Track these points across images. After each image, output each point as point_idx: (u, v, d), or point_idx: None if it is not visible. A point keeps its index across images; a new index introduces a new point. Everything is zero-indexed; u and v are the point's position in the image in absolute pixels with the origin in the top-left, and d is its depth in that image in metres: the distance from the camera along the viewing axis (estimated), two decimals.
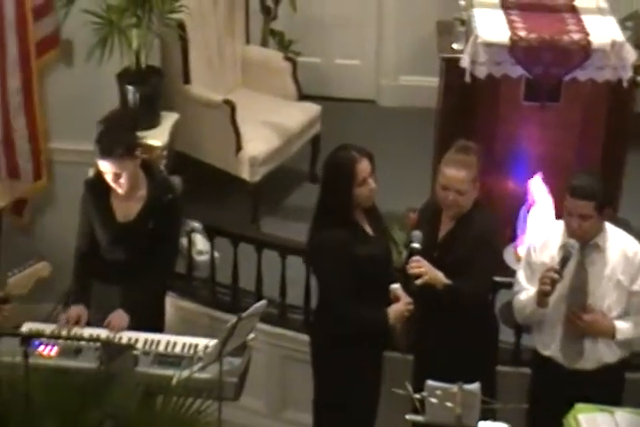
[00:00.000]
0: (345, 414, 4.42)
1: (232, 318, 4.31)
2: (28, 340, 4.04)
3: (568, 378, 4.30)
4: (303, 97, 5.99)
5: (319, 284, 4.44)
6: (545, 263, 4.26)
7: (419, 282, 4.23)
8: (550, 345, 4.33)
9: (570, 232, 4.22)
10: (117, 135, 4.45)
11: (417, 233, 4.31)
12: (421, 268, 4.22)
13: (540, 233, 4.44)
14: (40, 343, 4.29)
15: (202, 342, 4.39)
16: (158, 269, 4.54)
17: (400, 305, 4.31)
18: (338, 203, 4.24)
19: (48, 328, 4.44)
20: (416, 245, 4.27)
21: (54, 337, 4.31)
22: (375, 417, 4.52)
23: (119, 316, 4.45)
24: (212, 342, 4.33)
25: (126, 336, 4.41)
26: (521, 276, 4.36)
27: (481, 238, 4.27)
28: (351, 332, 4.28)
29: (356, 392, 4.38)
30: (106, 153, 4.38)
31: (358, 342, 4.31)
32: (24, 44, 5.40)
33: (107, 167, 4.40)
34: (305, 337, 4.60)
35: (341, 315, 4.29)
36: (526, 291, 4.30)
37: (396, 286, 4.36)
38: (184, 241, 5.13)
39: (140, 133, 5.17)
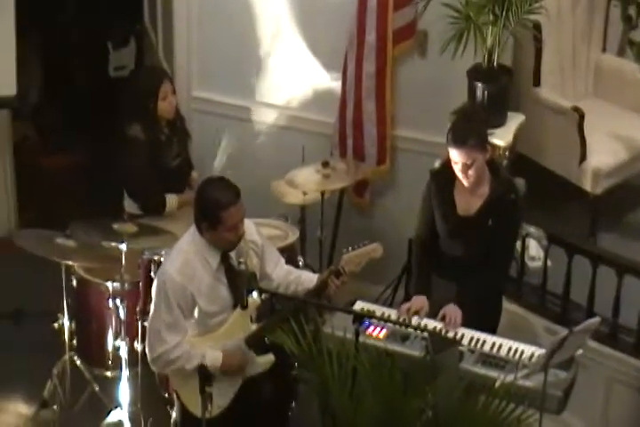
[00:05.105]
0: None
1: (561, 330, 4.17)
2: (361, 318, 4.11)
3: None
4: None
5: None
6: None
7: None
8: None
9: None
10: (472, 126, 4.41)
11: None
12: None
13: None
14: (370, 324, 4.32)
15: (528, 348, 4.27)
16: (494, 269, 4.44)
17: None
18: None
19: (379, 310, 4.47)
20: None
21: (384, 320, 4.32)
22: None
23: (454, 310, 4.38)
24: (539, 351, 4.21)
25: (454, 331, 4.35)
26: None
27: None
28: None
29: None
30: (459, 142, 4.35)
31: None
32: (382, 31, 5.46)
33: (457, 157, 4.37)
34: (634, 361, 4.38)
35: None
36: None
37: None
38: (517, 245, 5.02)
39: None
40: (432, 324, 4.39)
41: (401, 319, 4.40)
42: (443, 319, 4.39)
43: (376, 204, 5.73)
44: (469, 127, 4.39)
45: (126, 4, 7.20)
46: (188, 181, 5.30)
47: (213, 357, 4.15)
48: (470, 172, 4.37)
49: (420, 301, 4.46)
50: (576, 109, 5.43)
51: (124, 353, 4.84)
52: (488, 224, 4.42)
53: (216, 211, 4.08)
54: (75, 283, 4.98)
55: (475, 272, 4.42)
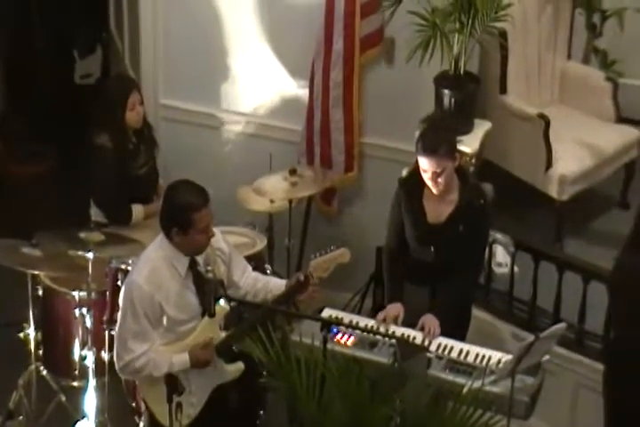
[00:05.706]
0: None
1: (527, 336, 4.19)
2: (329, 326, 4.11)
3: None
4: (622, 120, 5.74)
5: (618, 312, 4.23)
6: None
7: None
8: None
9: None
10: (442, 134, 4.44)
11: None
12: None
13: None
14: (338, 331, 4.33)
15: (495, 354, 4.30)
16: (466, 276, 4.48)
17: None
18: None
19: (347, 317, 4.48)
20: None
21: (352, 327, 4.33)
22: None
23: (433, 320, 4.40)
24: (506, 357, 4.23)
25: (420, 337, 4.37)
26: None
27: None
28: None
29: None
30: (429, 151, 4.37)
31: None
32: (349, 39, 5.48)
33: (427, 165, 4.39)
34: (600, 366, 4.40)
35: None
36: None
37: None
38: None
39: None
40: (405, 331, 4.38)
41: (378, 328, 4.38)
42: (422, 329, 4.39)
43: (344, 211, 5.75)
44: (439, 136, 4.41)
45: (92, 12, 7.19)
46: (156, 189, 5.29)
47: (181, 361, 4.13)
48: (440, 179, 4.39)
49: (395, 308, 4.47)
50: (542, 116, 5.46)
51: (90, 363, 4.81)
52: (459, 231, 4.45)
53: (187, 214, 4.06)
54: (41, 292, 4.93)
55: (445, 278, 4.44)
